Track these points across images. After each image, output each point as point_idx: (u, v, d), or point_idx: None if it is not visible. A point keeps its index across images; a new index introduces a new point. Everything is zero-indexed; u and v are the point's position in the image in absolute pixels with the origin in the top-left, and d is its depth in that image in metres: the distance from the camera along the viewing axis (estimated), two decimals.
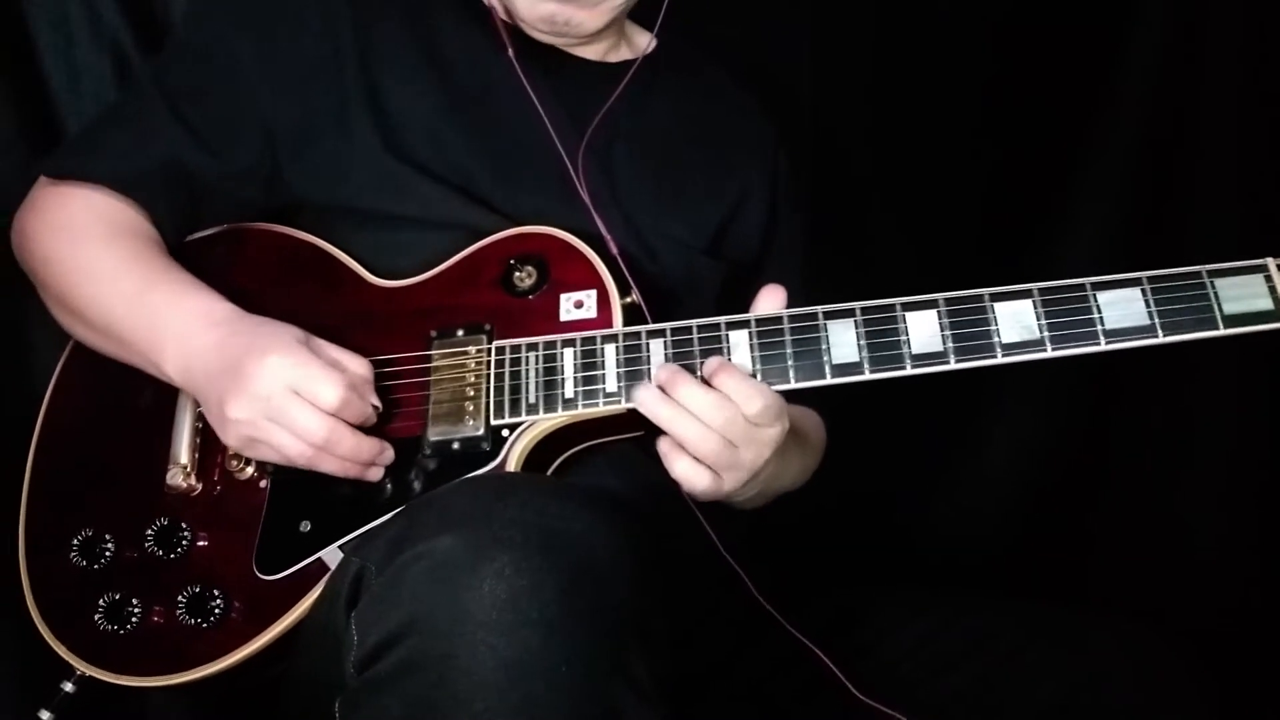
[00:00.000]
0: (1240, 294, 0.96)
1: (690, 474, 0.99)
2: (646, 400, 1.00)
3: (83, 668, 1.06)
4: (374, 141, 1.14)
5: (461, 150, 1.17)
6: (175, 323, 1.06)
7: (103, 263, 1.10)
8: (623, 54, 1.30)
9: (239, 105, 1.16)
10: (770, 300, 1.02)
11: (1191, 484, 1.76)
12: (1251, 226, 0.97)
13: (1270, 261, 0.97)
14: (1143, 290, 0.97)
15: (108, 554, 1.09)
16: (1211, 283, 0.97)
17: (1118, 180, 1.78)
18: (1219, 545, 1.73)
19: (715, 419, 0.97)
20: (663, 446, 1.00)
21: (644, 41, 1.32)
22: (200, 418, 1.11)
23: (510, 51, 1.20)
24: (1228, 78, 1.70)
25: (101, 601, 1.06)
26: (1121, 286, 0.98)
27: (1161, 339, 0.96)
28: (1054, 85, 1.76)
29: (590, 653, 0.77)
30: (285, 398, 0.98)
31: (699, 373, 1.00)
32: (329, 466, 1.01)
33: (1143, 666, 1.09)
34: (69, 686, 1.08)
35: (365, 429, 1.03)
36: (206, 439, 1.11)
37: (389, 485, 1.05)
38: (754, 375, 1.00)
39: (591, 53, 1.28)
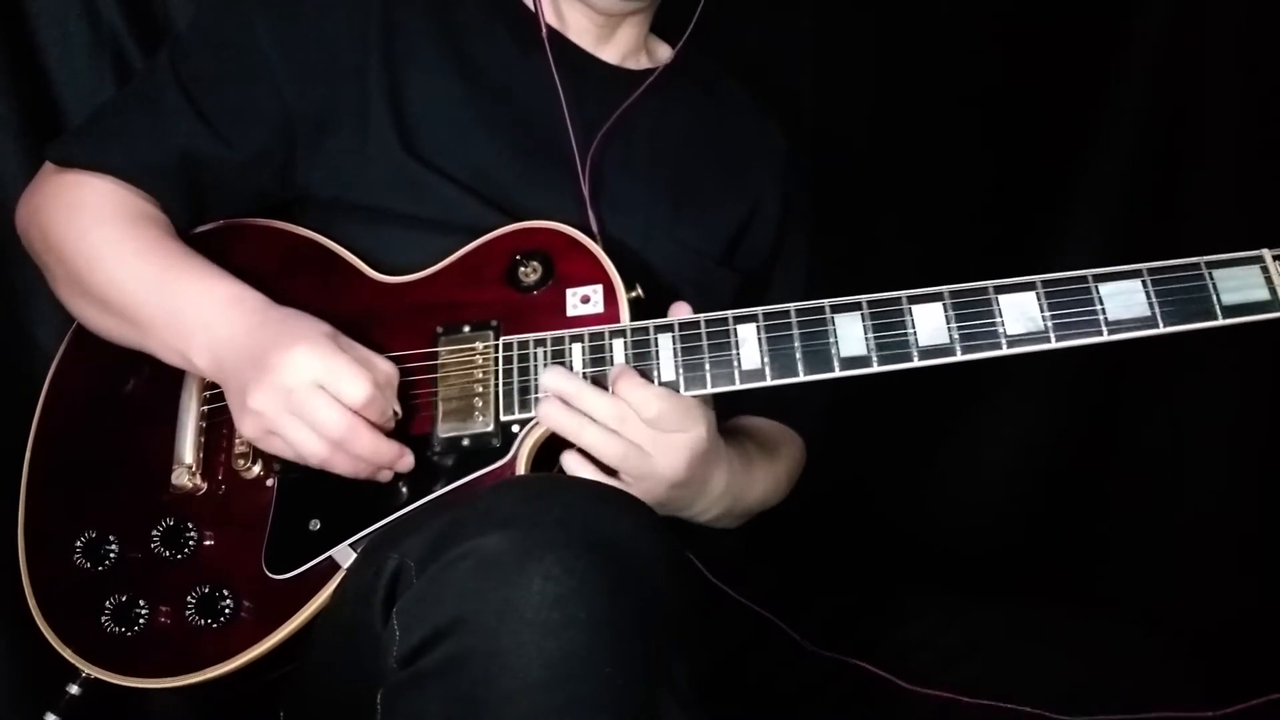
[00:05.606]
0: (1238, 284, 0.98)
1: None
2: (550, 414, 1.01)
3: (90, 670, 1.05)
4: (392, 140, 1.13)
5: (481, 151, 1.16)
6: (204, 310, 1.05)
7: (123, 246, 1.09)
8: (642, 63, 1.30)
9: (258, 92, 1.14)
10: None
11: (1192, 485, 1.77)
12: (1254, 223, 0.99)
13: (1266, 252, 0.98)
14: (1143, 282, 0.99)
15: (112, 555, 1.08)
16: (1210, 274, 0.98)
17: (1119, 181, 1.80)
18: (1219, 545, 1.75)
19: (618, 424, 0.99)
20: (568, 460, 1.02)
21: (664, 53, 1.33)
22: (204, 415, 1.10)
23: (545, 33, 1.19)
24: (1228, 73, 1.72)
25: (108, 603, 1.06)
26: (1123, 278, 0.99)
27: (1162, 329, 0.98)
28: (1055, 84, 1.77)
29: (635, 655, 0.77)
30: (309, 392, 0.97)
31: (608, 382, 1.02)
32: (342, 466, 1.00)
33: (1140, 667, 1.10)
34: (74, 689, 1.07)
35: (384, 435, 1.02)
36: (211, 437, 1.10)
37: (399, 482, 1.04)
38: (763, 369, 1.01)
39: (613, 55, 1.28)
